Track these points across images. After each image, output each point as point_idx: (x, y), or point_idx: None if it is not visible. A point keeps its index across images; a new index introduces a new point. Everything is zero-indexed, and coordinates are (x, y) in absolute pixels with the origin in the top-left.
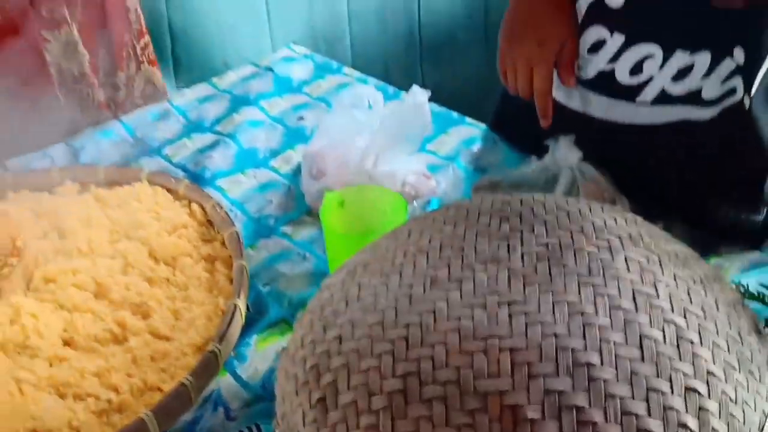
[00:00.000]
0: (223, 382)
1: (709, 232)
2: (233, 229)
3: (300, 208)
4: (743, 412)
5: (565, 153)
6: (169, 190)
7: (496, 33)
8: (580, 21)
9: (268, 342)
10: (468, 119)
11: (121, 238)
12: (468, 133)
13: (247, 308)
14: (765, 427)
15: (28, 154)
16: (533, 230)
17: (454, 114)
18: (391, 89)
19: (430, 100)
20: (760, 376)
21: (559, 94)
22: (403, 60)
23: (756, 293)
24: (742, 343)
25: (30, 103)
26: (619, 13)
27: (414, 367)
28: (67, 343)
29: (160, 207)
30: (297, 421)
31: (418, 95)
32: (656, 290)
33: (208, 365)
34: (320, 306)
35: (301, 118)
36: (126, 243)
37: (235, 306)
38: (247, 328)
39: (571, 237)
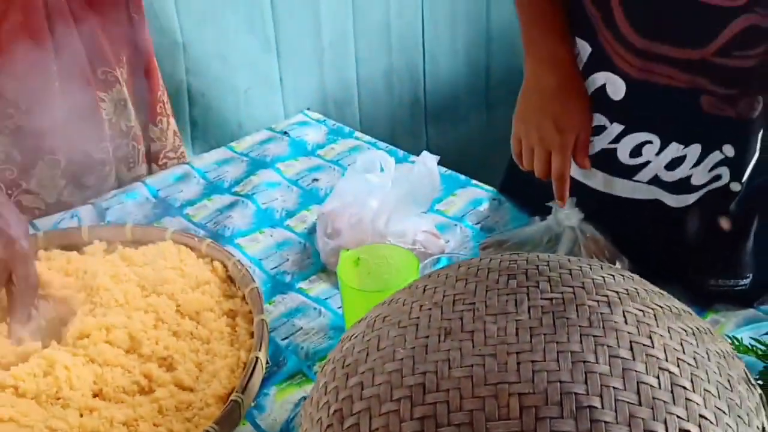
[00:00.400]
0: (244, 431)
1: (704, 295)
2: (254, 285)
3: (315, 265)
4: None
5: (567, 214)
6: (192, 249)
7: (496, 98)
8: None
9: (287, 393)
10: (474, 181)
11: (150, 293)
12: (474, 194)
13: (267, 361)
14: None
15: (56, 214)
16: (538, 286)
17: (461, 177)
18: (400, 153)
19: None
20: (748, 421)
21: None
22: (408, 123)
23: (749, 346)
24: (732, 390)
25: (87, 158)
26: (619, 104)
27: (430, 410)
28: (96, 394)
29: (184, 264)
30: None
31: (428, 160)
32: (651, 341)
33: (232, 414)
34: (342, 356)
35: (316, 180)
36: (156, 298)
37: (257, 358)
38: (266, 380)
39: (573, 292)
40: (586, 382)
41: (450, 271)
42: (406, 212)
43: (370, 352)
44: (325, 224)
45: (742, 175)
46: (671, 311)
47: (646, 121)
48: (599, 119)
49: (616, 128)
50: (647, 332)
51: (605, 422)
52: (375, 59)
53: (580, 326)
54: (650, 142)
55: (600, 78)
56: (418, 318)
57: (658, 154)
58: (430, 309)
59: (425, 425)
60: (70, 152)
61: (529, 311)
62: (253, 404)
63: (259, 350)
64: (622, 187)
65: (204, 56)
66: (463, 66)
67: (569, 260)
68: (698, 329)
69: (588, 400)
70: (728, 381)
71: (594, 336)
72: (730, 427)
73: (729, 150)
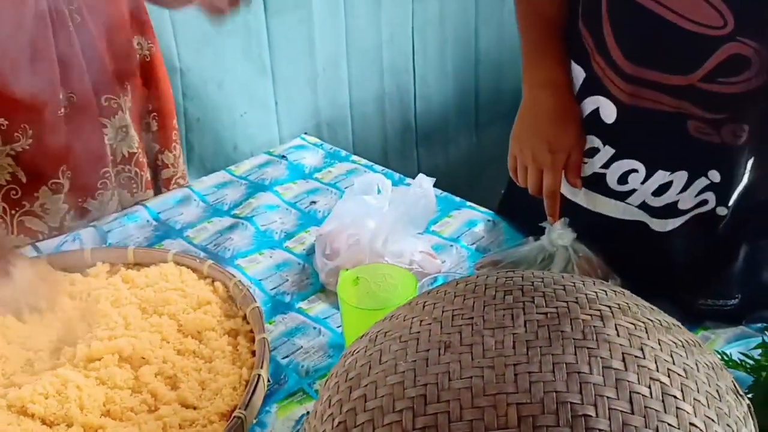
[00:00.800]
0: None
1: (694, 313)
2: (255, 305)
3: (314, 285)
4: None
5: (560, 234)
6: (193, 270)
7: (485, 120)
8: None
9: (288, 410)
10: (469, 203)
11: (152, 314)
12: (469, 216)
13: (268, 378)
14: None
15: (60, 236)
16: (534, 301)
17: (456, 199)
18: (397, 176)
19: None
20: (737, 430)
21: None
22: (400, 145)
23: (738, 362)
24: (721, 400)
25: (91, 182)
26: (611, 127)
27: (432, 421)
28: (103, 414)
29: (185, 285)
30: None
31: (424, 182)
32: (643, 352)
33: (235, 430)
34: (345, 370)
35: (314, 203)
36: (158, 318)
37: (259, 376)
38: (268, 398)
39: (567, 307)
40: (580, 392)
41: (448, 287)
42: (403, 233)
43: (373, 365)
44: (323, 245)
45: (728, 200)
46: (661, 324)
47: (636, 145)
48: (593, 141)
49: (609, 151)
50: (639, 344)
51: (600, 430)
52: (367, 83)
53: (574, 339)
54: (636, 170)
55: (593, 102)
56: (419, 333)
57: (643, 182)
58: (429, 324)
59: None
60: (73, 177)
61: (525, 325)
62: (255, 421)
63: (261, 368)
64: (611, 208)
65: (201, 81)
66: (452, 89)
67: (563, 277)
68: (688, 342)
69: (583, 409)
70: (717, 391)
71: (588, 348)
72: None
73: (715, 176)
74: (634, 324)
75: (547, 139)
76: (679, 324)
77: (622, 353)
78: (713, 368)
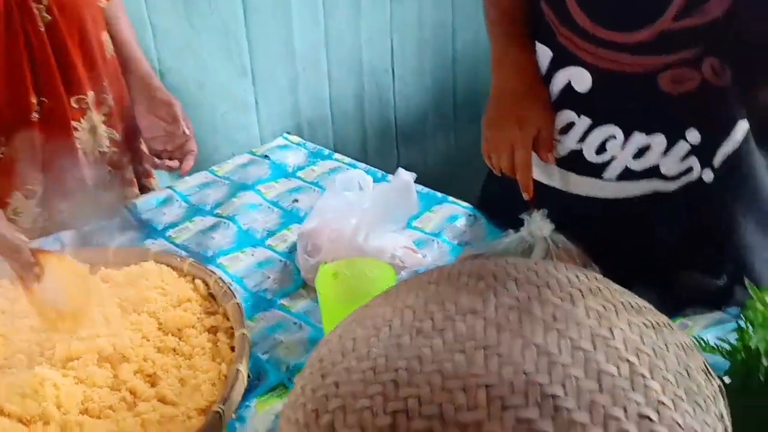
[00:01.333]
0: None
1: (675, 298)
2: (234, 301)
3: (296, 282)
4: None
5: (538, 225)
6: (174, 268)
7: (462, 118)
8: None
9: (268, 405)
10: (450, 198)
11: (131, 312)
12: (451, 211)
13: (248, 374)
14: None
15: (41, 238)
16: (506, 286)
17: (438, 194)
18: (379, 173)
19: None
20: (706, 408)
21: (537, 172)
22: (379, 143)
23: (715, 346)
24: (690, 379)
25: (64, 185)
26: (586, 97)
27: (402, 405)
28: (82, 411)
29: (165, 283)
30: None
31: (405, 177)
32: (612, 333)
33: (213, 425)
34: (319, 359)
35: (296, 201)
36: (137, 317)
37: (238, 370)
38: (248, 393)
39: (538, 291)
40: (549, 373)
41: (423, 276)
42: (385, 228)
43: (345, 353)
44: (305, 242)
45: (711, 160)
46: (632, 307)
47: (612, 110)
48: (568, 116)
49: (585, 122)
50: (608, 325)
51: (567, 409)
52: (347, 83)
53: (544, 321)
54: (614, 136)
55: (565, 75)
56: (391, 320)
57: (623, 148)
58: (402, 310)
59: (397, 419)
60: (46, 180)
61: (496, 309)
62: (234, 416)
63: (240, 363)
64: (588, 187)
65: (181, 83)
66: (430, 88)
67: (535, 263)
68: (659, 323)
69: (551, 389)
70: (686, 370)
71: (557, 330)
72: (688, 412)
73: (694, 136)
74: (604, 306)
75: (515, 115)
76: (651, 307)
77: (591, 334)
78: (683, 349)
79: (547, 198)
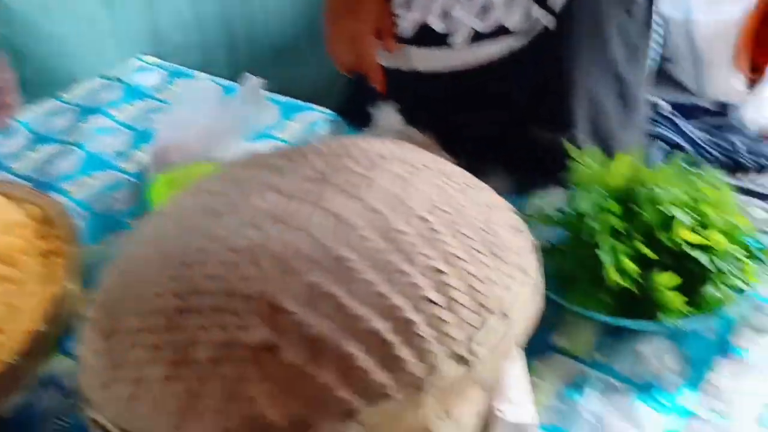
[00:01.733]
0: (64, 363)
1: (523, 171)
2: (69, 222)
3: (147, 202)
4: (487, 286)
5: (387, 119)
6: (6, 196)
7: None
8: None
9: None
10: (314, 106)
11: None
12: (313, 117)
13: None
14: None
15: None
16: (308, 159)
17: (301, 102)
18: (227, 83)
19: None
20: (507, 258)
21: (386, 59)
22: (252, 62)
23: (548, 216)
24: (491, 234)
25: None
26: None
27: (190, 286)
28: None
29: None
30: (88, 358)
31: (252, 81)
32: (408, 193)
33: (38, 345)
34: (123, 254)
35: (151, 121)
36: None
37: (67, 288)
38: None
39: (339, 161)
40: (337, 235)
41: (236, 161)
42: (236, 138)
43: (144, 245)
44: (155, 160)
45: (551, 3)
46: (438, 169)
47: None
48: None
49: None
50: (405, 187)
51: (356, 269)
52: (211, 3)
53: (341, 189)
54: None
55: None
56: (189, 205)
57: (467, 9)
58: (200, 194)
59: (188, 300)
60: None
61: (294, 182)
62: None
63: (72, 283)
64: (442, 58)
65: (27, 10)
66: (301, 5)
67: (351, 139)
68: (466, 184)
69: (339, 251)
70: (488, 225)
71: (351, 194)
72: (485, 263)
73: None
74: (407, 171)
75: (351, 7)
76: (465, 171)
77: (386, 196)
78: (489, 206)
79: (400, 85)
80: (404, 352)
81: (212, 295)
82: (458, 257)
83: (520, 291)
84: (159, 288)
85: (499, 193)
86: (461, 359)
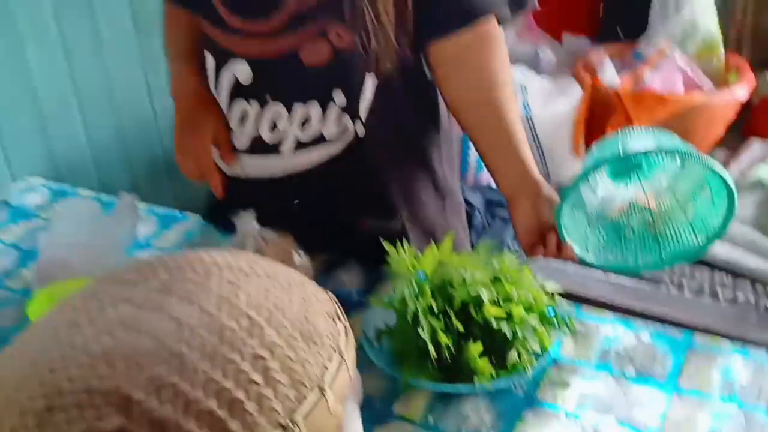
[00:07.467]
0: None
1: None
2: None
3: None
4: (303, 367)
5: (246, 225)
6: None
7: None
8: (226, 102)
9: None
10: (190, 214)
11: None
12: (189, 226)
13: None
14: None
15: None
16: (155, 273)
17: (177, 213)
18: (105, 198)
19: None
20: (322, 343)
21: (226, 168)
22: (150, 178)
23: (382, 301)
24: (308, 323)
25: None
26: (251, 86)
27: (55, 388)
28: None
29: None
30: None
31: (126, 197)
32: (237, 296)
33: None
34: None
35: (36, 240)
36: None
37: None
38: None
39: (181, 272)
40: (177, 335)
41: (97, 279)
42: (115, 251)
43: (15, 354)
44: (39, 276)
45: (357, 112)
46: (265, 273)
47: (272, 91)
48: (242, 105)
49: (255, 107)
50: (235, 291)
51: (192, 360)
52: (105, 121)
53: (180, 296)
54: (280, 114)
55: (229, 71)
56: (54, 318)
57: (290, 122)
58: (64, 309)
59: (52, 400)
60: None
61: (142, 294)
62: None
63: None
64: (276, 166)
65: None
66: None
67: (196, 253)
68: (289, 283)
69: (178, 347)
70: (305, 317)
71: (190, 300)
72: (301, 348)
73: (339, 96)
74: (236, 276)
75: (191, 128)
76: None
77: (218, 299)
78: (307, 300)
79: (245, 191)
80: (234, 425)
81: (74, 394)
82: (278, 345)
83: (335, 368)
84: (30, 392)
85: (350, 283)
86: (284, 428)
